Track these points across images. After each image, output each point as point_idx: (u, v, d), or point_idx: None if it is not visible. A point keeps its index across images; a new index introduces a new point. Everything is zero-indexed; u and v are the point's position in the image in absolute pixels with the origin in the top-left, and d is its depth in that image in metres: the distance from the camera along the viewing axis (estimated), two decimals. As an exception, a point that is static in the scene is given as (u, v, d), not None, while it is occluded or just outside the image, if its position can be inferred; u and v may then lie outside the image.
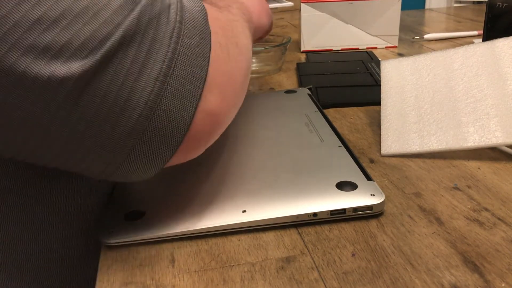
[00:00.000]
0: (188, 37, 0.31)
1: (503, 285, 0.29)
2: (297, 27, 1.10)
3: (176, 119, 0.30)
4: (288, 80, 0.74)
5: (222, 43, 0.34)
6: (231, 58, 0.35)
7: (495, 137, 0.42)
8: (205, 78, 0.31)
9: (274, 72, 0.78)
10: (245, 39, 0.41)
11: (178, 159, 0.32)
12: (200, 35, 0.31)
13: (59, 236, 0.41)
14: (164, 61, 0.29)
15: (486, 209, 0.37)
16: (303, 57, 0.87)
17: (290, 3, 0.90)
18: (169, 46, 0.29)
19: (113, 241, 0.35)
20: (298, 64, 0.79)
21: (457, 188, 0.40)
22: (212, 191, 0.39)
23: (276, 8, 0.92)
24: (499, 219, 0.36)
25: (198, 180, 0.41)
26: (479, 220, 0.36)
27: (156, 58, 0.29)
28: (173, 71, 0.29)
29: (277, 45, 0.76)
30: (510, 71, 0.45)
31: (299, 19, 0.89)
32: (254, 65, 0.77)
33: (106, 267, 0.33)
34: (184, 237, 0.35)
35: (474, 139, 0.43)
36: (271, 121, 0.52)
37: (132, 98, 0.28)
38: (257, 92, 0.69)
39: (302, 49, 0.90)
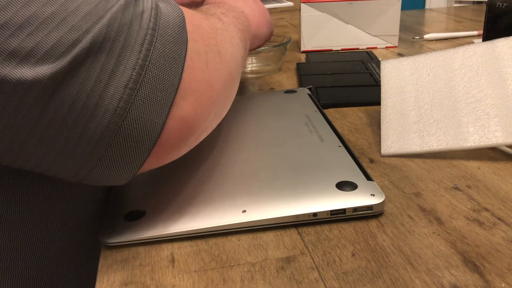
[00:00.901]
0: (161, 44, 0.30)
1: (503, 285, 0.29)
2: (297, 27, 1.10)
3: (146, 126, 0.30)
4: (288, 80, 0.74)
5: (201, 51, 0.34)
6: (210, 66, 0.35)
7: (495, 137, 0.42)
8: (178, 85, 0.31)
9: (274, 72, 0.78)
10: (231, 48, 0.40)
11: (150, 165, 0.33)
12: (175, 42, 0.31)
13: (55, 237, 0.41)
14: (134, 68, 0.29)
15: (486, 209, 0.37)
16: (303, 57, 0.87)
17: (290, 3, 0.90)
18: (140, 53, 0.29)
19: (113, 241, 0.35)
20: (298, 64, 0.79)
21: (457, 188, 0.40)
22: (212, 191, 0.39)
23: (276, 8, 0.92)
24: (499, 219, 0.36)
25: (198, 180, 0.41)
26: (479, 220, 0.36)
27: (126, 65, 0.29)
28: (143, 78, 0.29)
29: (277, 45, 0.76)
30: (510, 71, 0.45)
31: (299, 19, 0.89)
32: (254, 65, 0.77)
33: (106, 267, 0.33)
34: (184, 237, 0.35)
35: (474, 139, 0.43)
36: (271, 121, 0.52)
37: (101, 105, 0.28)
38: (257, 92, 0.69)
39: (302, 49, 0.90)
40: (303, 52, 0.90)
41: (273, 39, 0.82)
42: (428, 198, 0.39)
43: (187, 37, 0.32)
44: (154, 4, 0.31)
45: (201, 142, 0.48)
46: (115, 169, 0.31)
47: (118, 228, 0.36)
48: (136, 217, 0.36)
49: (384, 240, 0.34)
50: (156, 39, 0.30)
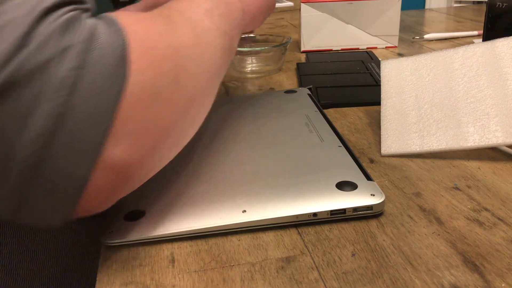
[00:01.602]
0: (88, 84, 0.26)
1: (503, 285, 0.29)
2: (297, 27, 1.10)
3: (66, 178, 0.27)
4: (288, 80, 0.74)
5: (147, 83, 0.29)
6: (160, 98, 0.30)
7: (495, 137, 0.42)
8: (109, 130, 0.27)
9: (274, 72, 0.78)
10: (199, 66, 0.34)
11: (83, 213, 0.30)
12: (107, 79, 0.27)
13: (55, 237, 0.41)
14: (50, 117, 0.25)
15: (486, 209, 0.37)
16: (303, 57, 0.87)
17: (290, 3, 0.90)
18: (57, 99, 0.25)
19: (113, 241, 0.35)
20: (298, 64, 0.79)
21: (457, 188, 0.40)
22: (212, 191, 0.39)
23: (276, 8, 0.92)
24: (499, 219, 0.36)
25: (198, 180, 0.41)
26: (479, 220, 0.36)
27: (39, 114, 0.25)
28: (61, 126, 0.25)
29: (277, 45, 0.76)
30: (510, 71, 0.45)
31: (299, 19, 0.89)
32: (254, 65, 0.77)
33: (106, 267, 0.33)
34: (184, 237, 0.35)
35: (474, 139, 0.43)
36: (271, 121, 0.52)
37: (13, 156, 0.25)
38: (257, 92, 0.69)
39: (302, 49, 0.90)
40: (303, 52, 0.90)
41: (273, 39, 0.82)
42: (428, 198, 0.39)
43: (126, 70, 0.27)
44: (88, 34, 0.27)
45: (201, 142, 0.48)
46: (43, 217, 0.29)
47: (118, 228, 0.36)
48: (136, 217, 0.36)
49: (384, 240, 0.34)
50: (80, 80, 0.26)
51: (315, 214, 0.36)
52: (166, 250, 0.35)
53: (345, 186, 0.38)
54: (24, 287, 0.40)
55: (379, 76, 0.63)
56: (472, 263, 0.31)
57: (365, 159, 0.46)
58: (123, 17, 0.30)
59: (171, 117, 0.31)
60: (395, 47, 0.90)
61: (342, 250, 0.33)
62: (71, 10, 0.27)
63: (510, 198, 0.38)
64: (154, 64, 0.30)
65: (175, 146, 0.34)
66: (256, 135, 0.49)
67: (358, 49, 0.90)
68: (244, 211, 0.36)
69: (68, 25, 0.26)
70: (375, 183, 0.38)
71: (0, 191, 0.27)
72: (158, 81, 0.30)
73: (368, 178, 0.39)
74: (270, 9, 0.55)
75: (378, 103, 0.53)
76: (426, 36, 0.93)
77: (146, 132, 0.29)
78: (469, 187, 0.40)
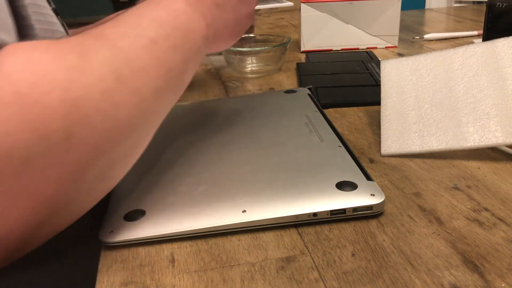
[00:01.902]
0: None
1: (503, 285, 0.29)
2: (297, 27, 1.10)
3: None
4: (288, 80, 0.74)
5: (18, 146, 0.23)
6: (39, 163, 0.24)
7: (495, 137, 0.42)
8: None
9: (274, 72, 0.78)
10: (108, 122, 0.28)
11: None
12: None
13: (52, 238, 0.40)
14: None
15: (486, 209, 0.37)
16: (303, 57, 0.87)
17: (290, 3, 0.90)
18: None
19: (113, 241, 0.35)
20: (298, 64, 0.79)
21: (457, 188, 0.40)
22: (212, 191, 0.39)
23: (276, 8, 0.92)
24: (499, 219, 0.36)
25: (198, 180, 0.41)
26: (479, 220, 0.36)
27: None
28: None
29: (277, 45, 0.76)
30: (510, 71, 0.45)
31: (299, 19, 0.89)
32: (254, 65, 0.77)
33: (106, 267, 0.33)
34: (184, 237, 0.35)
35: (474, 139, 0.43)
36: (271, 121, 0.52)
37: None
38: (257, 92, 0.69)
39: (302, 49, 0.90)
40: (303, 52, 0.90)
41: (273, 39, 0.82)
42: (428, 198, 0.39)
43: None
44: None
45: (201, 142, 0.49)
46: None
47: (118, 228, 0.36)
48: (136, 217, 0.36)
49: (384, 240, 0.34)
50: None
51: (315, 214, 0.36)
52: (166, 250, 0.35)
53: (345, 186, 0.38)
54: (23, 287, 0.40)
55: (379, 76, 0.63)
56: (472, 263, 0.31)
57: (365, 159, 0.46)
58: (12, 54, 0.24)
59: (54, 187, 0.25)
60: (395, 47, 0.90)
61: (342, 250, 0.33)
62: None
63: (510, 198, 0.38)
64: (34, 123, 0.23)
65: (66, 219, 0.28)
66: (256, 135, 0.49)
67: (358, 49, 0.90)
68: (244, 211, 0.36)
69: None
70: (375, 183, 0.38)
71: None
72: (36, 144, 0.23)
73: (368, 178, 0.39)
74: (242, 31, 0.49)
75: (378, 103, 0.53)
76: (426, 36, 0.93)
77: (14, 208, 0.23)
78: (469, 187, 0.40)
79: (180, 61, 0.36)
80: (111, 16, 0.76)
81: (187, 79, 0.39)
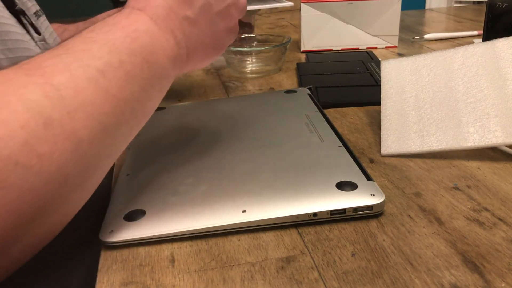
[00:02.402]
0: None
1: (503, 285, 0.29)
2: (297, 27, 1.10)
3: None
4: (288, 80, 0.74)
5: None
6: None
7: (495, 137, 0.42)
8: None
9: (274, 72, 0.78)
10: (43, 155, 0.25)
11: None
12: None
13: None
14: None
15: (486, 209, 0.37)
16: (303, 57, 0.87)
17: (290, 3, 0.90)
18: None
19: (113, 241, 0.35)
20: (298, 64, 0.79)
21: (457, 188, 0.40)
22: (212, 191, 0.39)
23: (276, 8, 0.92)
24: (499, 219, 0.36)
25: (198, 180, 0.41)
26: (479, 220, 0.36)
27: None
28: None
29: (277, 45, 0.76)
30: (510, 71, 0.45)
31: (299, 19, 0.89)
32: (254, 65, 0.77)
33: (106, 267, 0.33)
34: (184, 237, 0.35)
35: (474, 139, 0.43)
36: (271, 121, 0.52)
37: None
38: (257, 92, 0.69)
39: (302, 49, 0.90)
40: (303, 52, 0.90)
41: (273, 39, 0.82)
42: (428, 198, 0.39)
43: None
44: None
45: (201, 142, 0.49)
46: None
47: (118, 228, 0.36)
48: (136, 217, 0.36)
49: (384, 240, 0.34)
50: None
51: (315, 214, 0.36)
52: (166, 250, 0.35)
53: (345, 186, 0.38)
54: (23, 285, 0.40)
55: (379, 76, 0.63)
56: (472, 263, 0.31)
57: (365, 159, 0.46)
58: None
59: None
60: (395, 47, 0.90)
61: (342, 250, 0.33)
62: None
63: (510, 198, 0.38)
64: None
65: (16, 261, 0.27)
66: (256, 135, 0.49)
67: (358, 49, 0.90)
68: (244, 211, 0.36)
69: None
70: (375, 183, 0.38)
71: None
72: None
73: (368, 178, 0.39)
74: (223, 47, 0.45)
75: (378, 103, 0.53)
76: (426, 36, 0.93)
77: None
78: (469, 187, 0.40)
79: (138, 90, 0.32)
80: (103, 14, 0.74)
81: (151, 108, 0.35)
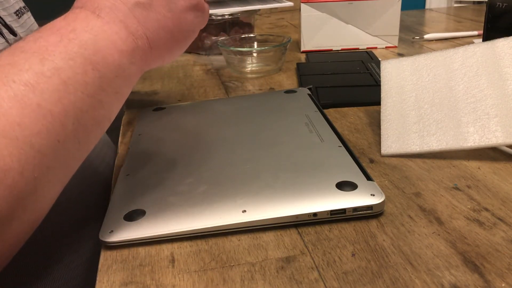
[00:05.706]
0: None
1: (503, 285, 0.29)
2: (297, 27, 1.10)
3: None
4: (288, 80, 0.74)
5: None
6: None
7: (495, 137, 0.42)
8: None
9: (274, 72, 0.78)
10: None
11: None
12: None
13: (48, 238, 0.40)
14: None
15: (486, 209, 0.37)
16: (303, 57, 0.87)
17: (290, 3, 0.90)
18: None
19: (113, 241, 0.35)
20: (298, 64, 0.79)
21: (457, 188, 0.40)
22: (212, 191, 0.39)
23: (276, 8, 0.92)
24: (499, 219, 0.36)
25: (198, 180, 0.41)
26: (479, 220, 0.36)
27: None
28: None
29: (277, 45, 0.76)
30: (510, 71, 0.45)
31: (299, 19, 0.89)
32: (254, 65, 0.77)
33: (106, 267, 0.33)
34: (184, 237, 0.35)
35: (474, 139, 0.43)
36: (271, 121, 0.52)
37: None
38: (257, 92, 0.69)
39: (302, 49, 0.90)
40: (303, 52, 0.90)
41: (273, 39, 0.82)
42: (428, 198, 0.39)
43: None
44: None
45: (201, 142, 0.49)
46: None
47: (118, 228, 0.36)
48: (136, 217, 0.36)
49: (384, 240, 0.34)
50: None
51: (315, 214, 0.36)
52: (166, 250, 0.35)
53: (345, 186, 0.38)
54: (24, 286, 0.40)
55: (379, 76, 0.63)
56: (472, 263, 0.31)
57: (365, 159, 0.46)
58: None
59: None
60: (395, 47, 0.90)
61: (342, 250, 0.33)
62: None
63: (510, 198, 0.38)
64: None
65: None
66: (256, 135, 0.49)
67: (358, 49, 0.90)
68: (244, 211, 0.36)
69: None
70: (375, 183, 0.38)
71: None
72: None
73: (368, 178, 0.39)
74: (192, 31, 0.41)
75: (378, 103, 0.53)
76: (426, 36, 0.93)
77: None
78: (469, 187, 0.40)
79: (81, 98, 0.28)
80: None
81: (107, 114, 0.31)
